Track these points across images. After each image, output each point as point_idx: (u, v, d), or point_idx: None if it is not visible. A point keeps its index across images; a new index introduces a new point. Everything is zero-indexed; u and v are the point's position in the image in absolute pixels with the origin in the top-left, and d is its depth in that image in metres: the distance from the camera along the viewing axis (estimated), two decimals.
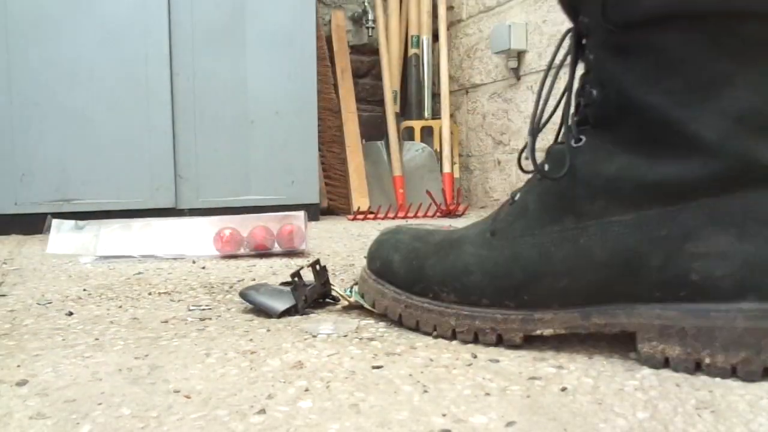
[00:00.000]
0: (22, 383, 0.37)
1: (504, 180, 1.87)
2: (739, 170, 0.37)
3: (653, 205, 0.39)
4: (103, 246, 0.90)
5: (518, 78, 1.79)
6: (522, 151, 0.50)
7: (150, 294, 0.65)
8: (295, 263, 0.85)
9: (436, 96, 2.06)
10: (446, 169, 1.87)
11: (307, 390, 0.36)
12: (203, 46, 1.43)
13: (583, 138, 0.43)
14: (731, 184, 0.38)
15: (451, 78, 2.05)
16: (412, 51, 1.99)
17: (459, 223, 1.45)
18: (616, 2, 0.39)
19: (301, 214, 0.93)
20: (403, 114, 2.01)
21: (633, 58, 0.40)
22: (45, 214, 1.25)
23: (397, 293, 0.49)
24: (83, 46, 1.32)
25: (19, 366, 0.41)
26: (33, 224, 1.26)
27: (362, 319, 0.52)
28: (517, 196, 0.46)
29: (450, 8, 2.06)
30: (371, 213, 1.67)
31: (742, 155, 0.37)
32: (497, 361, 0.41)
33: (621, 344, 0.44)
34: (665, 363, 0.39)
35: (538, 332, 0.43)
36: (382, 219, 1.62)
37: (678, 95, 0.38)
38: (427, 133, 1.98)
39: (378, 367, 0.39)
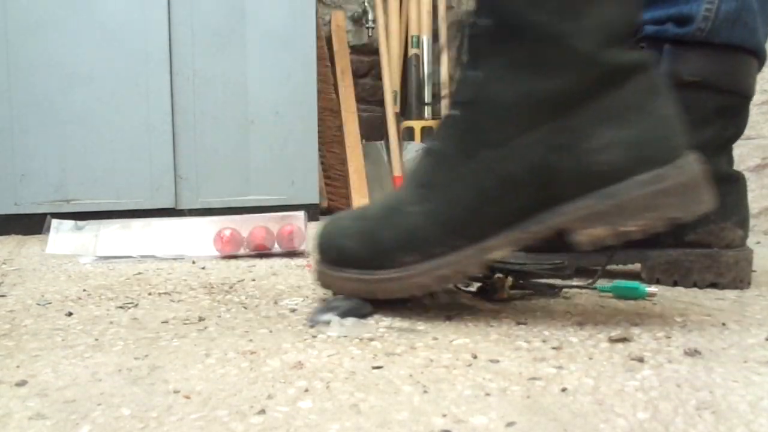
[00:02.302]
0: (21, 384, 0.37)
1: None
2: (610, 73, 0.45)
3: (549, 119, 0.46)
4: (102, 246, 0.90)
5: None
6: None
7: (150, 294, 0.65)
8: (295, 263, 0.85)
9: (436, 96, 2.06)
10: None
11: (307, 390, 0.35)
12: (203, 46, 1.43)
13: (479, 73, 0.48)
14: (605, 85, 0.46)
15: (451, 78, 2.05)
16: (412, 51, 1.99)
17: None
18: None
19: (301, 214, 0.93)
20: (403, 114, 2.01)
21: None
22: (45, 215, 1.25)
23: (361, 274, 0.51)
24: (83, 46, 1.32)
25: (18, 366, 0.40)
26: (33, 224, 1.26)
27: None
28: (432, 146, 0.51)
29: (450, 8, 2.06)
30: None
31: (611, 60, 0.45)
32: (497, 361, 0.41)
33: (621, 344, 0.44)
34: (594, 243, 0.47)
35: (492, 256, 0.49)
36: None
37: (559, 14, 0.45)
38: (428, 134, 1.98)
39: (378, 368, 0.39)
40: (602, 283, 0.61)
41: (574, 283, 0.62)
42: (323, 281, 0.55)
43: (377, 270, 0.51)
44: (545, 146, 0.46)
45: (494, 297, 0.57)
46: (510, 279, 0.58)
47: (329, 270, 0.54)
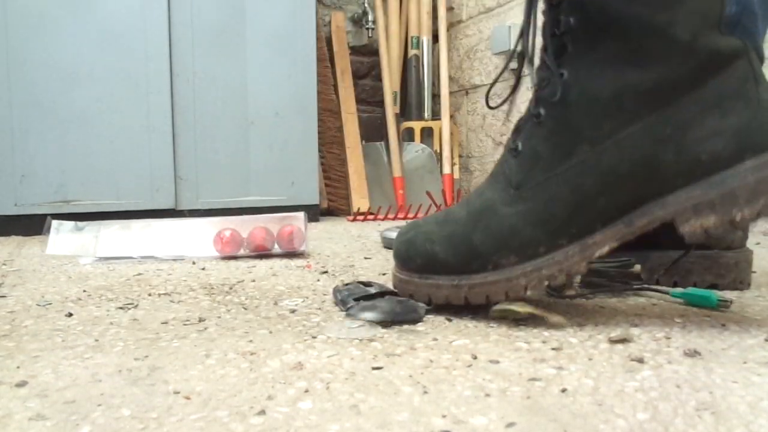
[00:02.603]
0: (21, 384, 0.37)
1: None
2: (709, 61, 0.45)
3: (650, 110, 0.46)
4: (102, 247, 0.90)
5: (518, 79, 1.79)
6: (490, 87, 0.60)
7: (150, 295, 0.65)
8: (295, 264, 0.85)
9: (436, 97, 2.06)
10: (446, 170, 1.87)
11: (307, 391, 0.36)
12: (203, 47, 1.43)
13: (565, 72, 0.48)
14: (704, 74, 0.45)
15: (451, 79, 2.05)
16: (412, 52, 1.99)
17: None
18: None
19: (301, 215, 0.93)
20: (403, 115, 2.01)
21: None
22: (45, 215, 1.25)
23: (453, 280, 0.50)
24: (83, 46, 1.32)
25: (18, 367, 0.41)
26: (33, 225, 1.26)
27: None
28: (519, 146, 0.50)
29: (450, 9, 2.06)
30: (371, 214, 1.67)
31: (709, 48, 0.45)
32: (497, 362, 0.41)
33: (621, 345, 0.44)
34: (706, 233, 0.46)
35: (597, 254, 0.48)
36: (382, 220, 1.62)
37: (654, 4, 0.45)
38: (427, 134, 1.98)
39: (378, 368, 0.39)
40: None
41: (641, 285, 0.62)
42: (407, 290, 0.54)
43: (473, 274, 0.50)
44: (648, 139, 0.46)
45: (563, 293, 0.58)
46: (578, 276, 0.59)
47: (415, 278, 0.52)
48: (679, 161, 0.46)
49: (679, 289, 0.60)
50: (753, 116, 0.45)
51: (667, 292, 0.60)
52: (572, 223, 0.47)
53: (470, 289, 0.50)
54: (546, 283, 0.48)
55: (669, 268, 0.61)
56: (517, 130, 0.52)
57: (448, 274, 0.51)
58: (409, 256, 0.53)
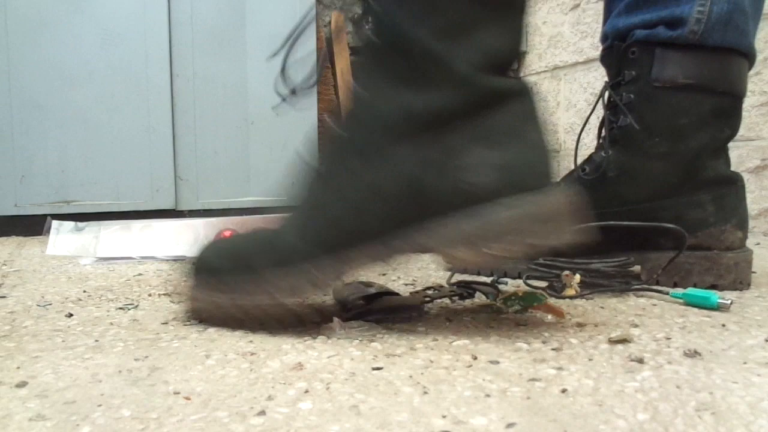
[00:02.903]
0: (21, 385, 0.37)
1: None
2: (485, 96, 0.45)
3: (422, 132, 0.45)
4: (102, 247, 0.90)
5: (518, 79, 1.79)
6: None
7: (150, 295, 0.65)
8: None
9: None
10: None
11: (307, 391, 0.36)
12: (203, 47, 1.43)
13: (356, 83, 0.48)
14: (480, 107, 0.45)
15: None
16: None
17: None
18: None
19: None
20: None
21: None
22: (45, 216, 1.25)
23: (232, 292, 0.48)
24: (83, 47, 1.32)
25: (18, 368, 0.40)
26: (33, 226, 1.26)
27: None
28: (312, 165, 0.50)
29: None
30: None
31: (487, 84, 0.45)
32: (497, 362, 0.41)
33: (621, 345, 0.44)
34: (461, 265, 0.49)
35: (350, 270, 0.46)
36: None
37: (440, 32, 0.45)
38: None
39: (378, 369, 0.39)
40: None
41: (638, 284, 0.63)
42: (191, 306, 0.51)
43: (238, 275, 0.48)
44: (417, 159, 0.45)
45: (563, 294, 0.59)
46: (578, 276, 0.60)
47: (199, 292, 0.50)
48: (440, 187, 0.45)
49: (679, 290, 0.60)
50: (519, 155, 0.45)
51: (667, 293, 0.60)
52: (330, 236, 0.46)
53: (241, 297, 0.48)
54: (294, 293, 0.47)
55: (665, 268, 0.62)
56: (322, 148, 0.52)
57: (227, 285, 0.48)
58: (197, 269, 0.50)
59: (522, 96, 0.47)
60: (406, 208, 0.45)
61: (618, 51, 0.67)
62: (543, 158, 0.46)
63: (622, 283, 0.62)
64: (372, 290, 0.57)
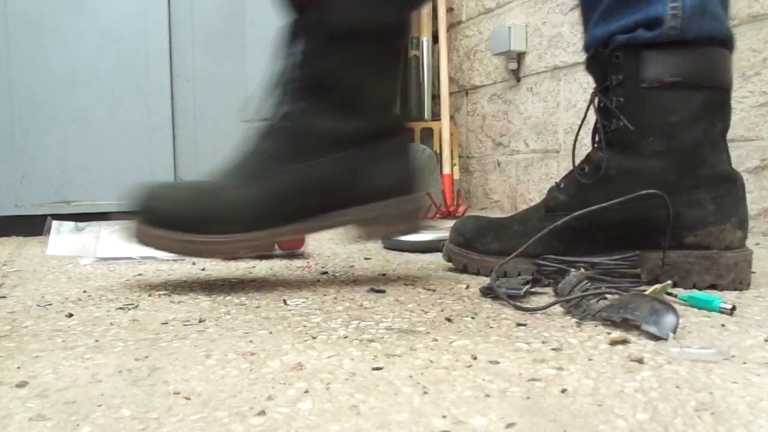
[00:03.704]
0: (22, 385, 0.37)
1: (504, 181, 1.87)
2: (383, 129, 0.69)
3: (347, 148, 0.67)
4: (103, 248, 0.90)
5: (518, 79, 1.79)
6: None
7: (150, 295, 0.65)
8: (295, 265, 0.85)
9: (435, 97, 2.06)
10: (446, 170, 1.87)
11: (307, 391, 0.36)
12: (203, 47, 1.43)
13: (301, 104, 0.67)
14: (380, 136, 0.68)
15: (450, 79, 2.05)
16: (411, 52, 1.99)
17: None
18: (328, 18, 0.65)
19: None
20: (403, 116, 2.02)
21: (332, 54, 0.66)
22: (45, 216, 1.25)
23: (185, 236, 0.63)
24: (83, 47, 1.32)
25: (19, 367, 0.41)
26: (33, 226, 1.26)
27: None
28: (259, 146, 0.67)
29: (450, 10, 2.06)
30: None
31: (387, 119, 0.70)
32: (497, 362, 0.41)
33: (621, 345, 0.44)
34: (359, 238, 0.69)
35: (289, 237, 0.71)
36: None
37: (355, 84, 0.67)
38: (427, 135, 1.98)
39: (378, 369, 0.39)
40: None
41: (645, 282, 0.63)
42: (141, 239, 0.64)
43: (203, 234, 0.63)
44: (341, 166, 0.66)
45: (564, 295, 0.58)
46: (584, 271, 0.61)
47: (151, 229, 0.63)
48: (356, 186, 0.67)
49: (681, 291, 0.60)
50: (405, 168, 0.70)
51: (675, 295, 0.60)
52: (279, 212, 0.64)
53: (199, 245, 0.63)
54: (257, 250, 0.66)
55: (663, 262, 0.64)
56: (263, 131, 0.69)
57: (181, 230, 0.63)
58: (149, 209, 0.63)
59: (404, 129, 0.72)
60: (329, 199, 0.66)
61: (602, 57, 0.67)
62: (415, 173, 0.71)
63: (632, 284, 0.62)
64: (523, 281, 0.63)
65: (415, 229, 0.72)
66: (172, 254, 0.65)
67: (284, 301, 0.61)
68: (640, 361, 0.41)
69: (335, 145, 0.66)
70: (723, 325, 0.50)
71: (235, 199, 0.64)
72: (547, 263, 0.67)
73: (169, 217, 0.63)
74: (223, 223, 0.63)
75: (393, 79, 0.71)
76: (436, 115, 2.03)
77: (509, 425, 0.31)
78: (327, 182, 0.66)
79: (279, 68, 0.68)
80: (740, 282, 0.63)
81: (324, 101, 0.66)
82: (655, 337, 0.46)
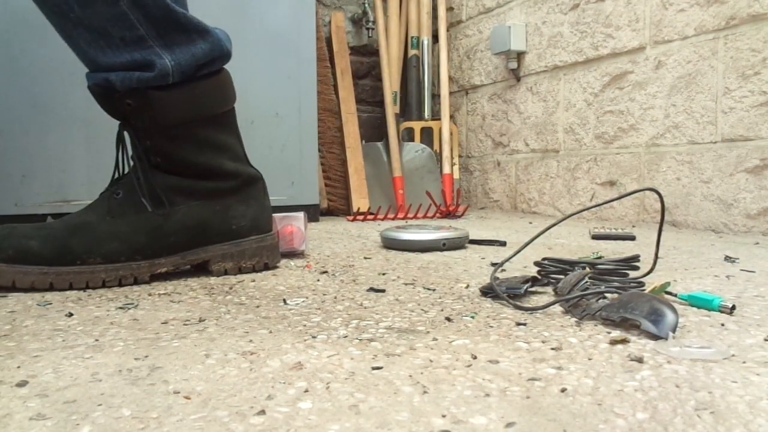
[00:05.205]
0: (22, 384, 0.37)
1: (504, 181, 1.87)
2: (244, 180, 0.80)
3: (211, 198, 0.76)
4: None
5: (518, 79, 1.79)
6: None
7: (150, 295, 0.65)
8: (295, 264, 0.85)
9: (435, 97, 2.06)
10: (446, 170, 1.87)
11: (306, 391, 0.36)
12: None
13: (157, 176, 0.74)
14: (243, 185, 0.79)
15: (450, 79, 2.05)
16: (411, 52, 1.99)
17: (458, 224, 1.45)
18: (160, 117, 0.72)
19: (301, 215, 0.93)
20: (403, 115, 2.02)
21: (176, 143, 0.74)
22: (45, 216, 1.25)
23: (43, 269, 0.67)
24: None
25: (19, 367, 0.41)
26: None
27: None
28: (121, 194, 0.73)
29: (450, 9, 2.06)
30: (371, 214, 1.67)
31: (246, 173, 0.80)
32: (497, 362, 0.41)
33: (621, 345, 0.44)
34: (224, 272, 0.77)
35: (159, 271, 0.73)
36: (382, 220, 1.62)
37: (213, 153, 0.77)
38: (427, 134, 1.98)
39: (378, 368, 0.40)
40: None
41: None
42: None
43: (61, 266, 0.67)
44: (207, 210, 0.76)
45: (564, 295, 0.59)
46: (588, 269, 0.62)
47: (4, 266, 0.66)
48: (220, 227, 0.77)
49: (681, 290, 0.60)
50: (260, 212, 0.81)
51: (674, 294, 0.60)
52: (148, 248, 0.72)
53: (57, 276, 0.67)
54: (119, 280, 0.70)
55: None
56: (118, 180, 0.75)
57: (38, 264, 0.67)
58: (2, 247, 0.66)
59: (259, 178, 0.82)
60: (199, 237, 0.76)
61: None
62: (269, 215, 0.83)
63: (634, 284, 0.62)
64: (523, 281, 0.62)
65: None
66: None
67: (284, 301, 0.61)
68: (640, 360, 0.41)
69: (198, 195, 0.75)
70: (723, 325, 0.50)
71: (98, 235, 0.70)
72: (548, 263, 0.67)
73: (23, 252, 0.67)
74: (85, 256, 0.69)
75: (236, 135, 0.80)
76: (436, 115, 2.03)
77: (509, 424, 0.31)
78: (192, 224, 0.74)
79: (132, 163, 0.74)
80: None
81: (188, 173, 0.75)
82: (655, 337, 0.46)
